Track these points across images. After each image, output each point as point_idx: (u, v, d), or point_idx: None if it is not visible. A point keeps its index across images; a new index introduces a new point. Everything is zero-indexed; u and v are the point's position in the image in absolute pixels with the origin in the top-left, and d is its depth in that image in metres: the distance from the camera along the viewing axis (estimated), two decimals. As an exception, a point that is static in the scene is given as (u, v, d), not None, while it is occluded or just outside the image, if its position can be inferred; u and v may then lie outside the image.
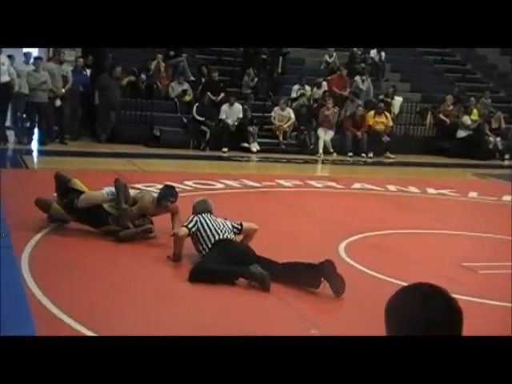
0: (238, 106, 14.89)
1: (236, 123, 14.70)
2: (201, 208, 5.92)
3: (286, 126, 15.38)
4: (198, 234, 5.60)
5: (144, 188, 8.44)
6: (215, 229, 5.59)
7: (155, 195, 6.67)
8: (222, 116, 14.71)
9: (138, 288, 4.96)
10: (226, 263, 5.27)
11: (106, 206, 6.35)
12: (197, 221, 5.65)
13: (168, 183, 7.39)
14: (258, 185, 10.23)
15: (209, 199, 6.12)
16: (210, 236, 5.54)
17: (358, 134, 15.51)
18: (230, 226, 5.74)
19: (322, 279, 5.09)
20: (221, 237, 5.54)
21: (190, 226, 5.62)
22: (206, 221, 5.67)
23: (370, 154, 15.56)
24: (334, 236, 7.03)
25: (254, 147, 14.85)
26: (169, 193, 6.60)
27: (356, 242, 6.89)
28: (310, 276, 5.12)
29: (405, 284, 1.70)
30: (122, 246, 6.07)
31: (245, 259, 5.30)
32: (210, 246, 5.52)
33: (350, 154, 15.45)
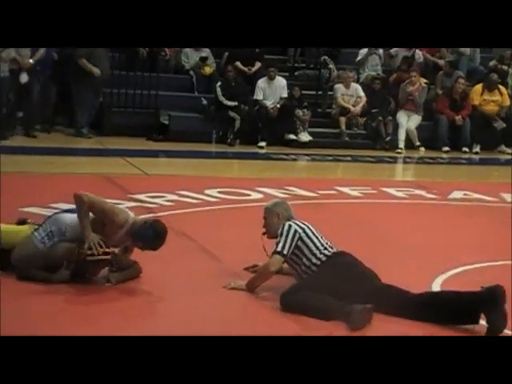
0: (280, 81, 14.91)
1: (278, 106, 14.72)
2: (287, 212, 6.05)
3: (353, 109, 15.30)
4: (301, 248, 5.75)
5: (148, 199, 8.45)
6: (320, 240, 5.83)
7: (132, 215, 5.96)
8: (258, 96, 14.75)
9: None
10: (333, 289, 5.51)
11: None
12: (296, 231, 5.75)
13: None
14: (310, 194, 10.24)
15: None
16: (318, 250, 5.75)
17: (458, 118, 15.41)
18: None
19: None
20: (333, 250, 5.84)
21: (285, 250, 5.69)
22: (307, 227, 5.83)
23: (477, 149, 15.49)
24: (425, 269, 7.00)
25: (305, 139, 14.84)
26: (152, 236, 5.80)
27: (458, 277, 6.86)
28: (464, 309, 5.34)
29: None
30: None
31: (364, 285, 5.61)
32: (318, 263, 5.73)
33: (446, 148, 15.40)
